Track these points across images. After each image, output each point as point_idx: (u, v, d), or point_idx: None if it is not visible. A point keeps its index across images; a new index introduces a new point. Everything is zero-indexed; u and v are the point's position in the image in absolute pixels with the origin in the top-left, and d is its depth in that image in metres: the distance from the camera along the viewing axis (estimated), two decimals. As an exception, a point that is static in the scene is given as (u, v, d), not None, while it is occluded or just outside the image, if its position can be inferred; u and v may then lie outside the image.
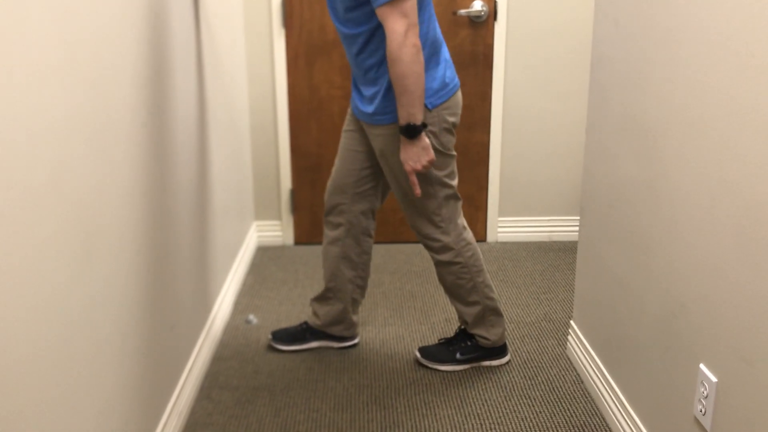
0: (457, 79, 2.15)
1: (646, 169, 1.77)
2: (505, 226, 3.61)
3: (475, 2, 3.30)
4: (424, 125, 1.99)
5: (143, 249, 1.71)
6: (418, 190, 2.07)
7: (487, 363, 2.38)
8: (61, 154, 1.25)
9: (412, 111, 1.96)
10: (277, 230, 3.55)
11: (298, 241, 3.58)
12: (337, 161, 2.33)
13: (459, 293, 2.29)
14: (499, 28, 3.34)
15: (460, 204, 2.23)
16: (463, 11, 3.28)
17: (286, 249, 3.52)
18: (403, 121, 1.98)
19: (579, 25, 3.37)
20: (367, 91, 2.10)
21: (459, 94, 2.15)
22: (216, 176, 2.59)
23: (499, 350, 2.38)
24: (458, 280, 2.27)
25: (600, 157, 2.12)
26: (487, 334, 2.33)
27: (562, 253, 3.45)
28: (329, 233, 2.37)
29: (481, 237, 3.61)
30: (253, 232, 3.46)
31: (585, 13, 3.36)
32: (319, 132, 3.43)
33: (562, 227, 3.62)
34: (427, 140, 2.01)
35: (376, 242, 3.60)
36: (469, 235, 2.26)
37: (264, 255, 3.43)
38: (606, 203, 2.08)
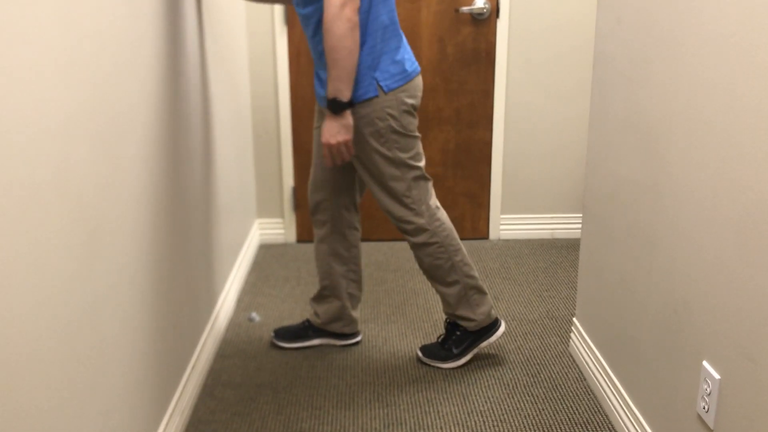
0: (416, 65, 2.16)
1: (649, 167, 1.77)
2: (508, 224, 3.60)
3: (477, 0, 3.29)
4: (350, 103, 2.00)
5: (147, 247, 1.71)
6: (329, 162, 2.08)
7: (484, 343, 2.36)
8: (65, 152, 1.25)
9: (339, 86, 1.97)
10: (280, 228, 3.56)
11: (300, 238, 3.58)
12: (313, 159, 2.35)
13: (438, 274, 2.29)
14: (502, 26, 3.34)
15: (430, 184, 2.23)
16: (465, 9, 3.28)
17: (289, 246, 3.52)
18: (330, 95, 1.99)
19: (581, 22, 3.36)
20: (324, 75, 2.11)
21: (418, 79, 2.16)
22: (219, 174, 2.59)
23: (490, 327, 2.37)
24: (436, 260, 2.26)
25: (602, 154, 2.12)
26: (473, 314, 2.32)
27: (565, 250, 3.45)
28: (317, 232, 2.40)
29: (483, 234, 3.61)
30: (255, 230, 3.46)
31: (587, 11, 3.35)
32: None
33: (564, 225, 3.62)
34: (350, 120, 2.03)
35: (379, 240, 3.60)
36: (442, 214, 2.26)
37: (266, 253, 3.44)
38: (608, 201, 2.08)
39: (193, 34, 2.21)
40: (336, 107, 1.99)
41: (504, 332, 2.42)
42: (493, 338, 2.37)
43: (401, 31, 2.14)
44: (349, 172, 2.33)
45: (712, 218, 1.46)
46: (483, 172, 3.53)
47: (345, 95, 1.98)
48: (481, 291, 2.33)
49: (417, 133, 2.18)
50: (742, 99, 1.34)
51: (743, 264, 1.35)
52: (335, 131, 2.02)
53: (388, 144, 2.12)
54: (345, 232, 2.38)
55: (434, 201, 2.25)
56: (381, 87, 2.06)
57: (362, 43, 2.04)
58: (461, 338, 2.36)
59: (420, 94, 2.17)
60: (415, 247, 2.27)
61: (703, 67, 1.49)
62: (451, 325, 2.38)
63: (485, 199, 3.57)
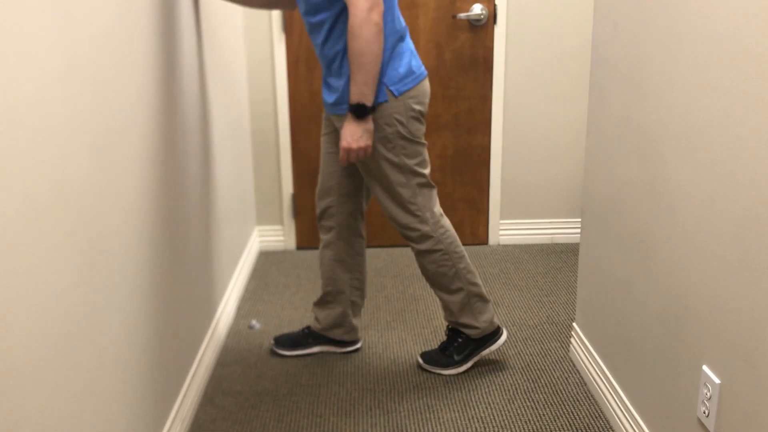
0: (423, 69, 2.17)
1: (647, 171, 1.77)
2: (507, 229, 3.61)
3: (474, 6, 3.30)
4: (372, 108, 2.01)
5: (146, 255, 1.71)
6: (344, 163, 2.09)
7: (486, 351, 2.37)
8: (63, 160, 1.25)
9: (365, 90, 1.97)
10: (279, 235, 3.56)
11: (300, 245, 3.58)
12: (320, 166, 2.36)
13: (442, 282, 2.29)
14: (499, 31, 3.34)
15: (434, 192, 2.24)
16: (462, 15, 3.28)
17: (288, 254, 3.52)
18: (354, 99, 1.99)
19: (578, 27, 3.37)
20: (335, 82, 2.12)
21: (426, 82, 2.17)
22: (218, 181, 2.59)
23: (492, 334, 2.37)
24: (440, 268, 2.27)
25: (600, 158, 2.12)
26: (476, 321, 2.32)
27: (564, 255, 3.45)
28: (323, 237, 2.40)
29: (482, 240, 3.61)
30: (255, 237, 3.46)
31: (584, 16, 3.36)
32: (320, 136, 3.44)
33: (563, 229, 3.62)
34: (371, 125, 2.04)
35: (378, 246, 3.60)
36: (446, 222, 2.26)
37: (266, 260, 3.44)
38: (607, 205, 2.08)
39: (191, 42, 2.22)
40: (361, 112, 2.00)
41: (506, 340, 2.42)
42: (495, 346, 2.37)
43: (407, 35, 2.15)
44: (356, 179, 2.33)
45: (711, 221, 1.46)
46: (482, 178, 3.53)
47: (369, 99, 1.99)
48: (483, 298, 2.33)
49: (424, 140, 2.19)
50: (739, 101, 1.34)
51: (743, 267, 1.35)
52: (358, 135, 2.03)
53: (396, 150, 2.13)
54: (351, 239, 2.38)
55: (438, 208, 2.25)
56: (391, 91, 2.07)
57: None
58: (463, 345, 2.36)
59: (427, 100, 2.18)
60: (419, 254, 2.27)
61: (700, 69, 1.49)
62: (453, 332, 2.38)
63: (484, 205, 3.57)
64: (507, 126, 3.48)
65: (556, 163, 3.54)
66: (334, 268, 2.40)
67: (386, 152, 2.13)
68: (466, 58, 3.37)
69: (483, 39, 3.36)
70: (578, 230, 3.62)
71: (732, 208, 1.38)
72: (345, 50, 2.05)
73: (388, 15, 2.05)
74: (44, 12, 1.19)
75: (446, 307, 2.34)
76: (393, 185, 2.18)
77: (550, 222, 3.61)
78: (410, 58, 2.12)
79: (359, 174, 2.33)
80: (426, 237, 2.23)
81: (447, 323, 2.41)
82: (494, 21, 3.33)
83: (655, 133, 1.72)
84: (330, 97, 2.15)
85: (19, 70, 1.10)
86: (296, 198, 3.52)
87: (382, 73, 2.06)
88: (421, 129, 2.16)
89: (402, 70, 2.09)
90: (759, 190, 1.28)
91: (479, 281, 2.32)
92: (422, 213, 2.21)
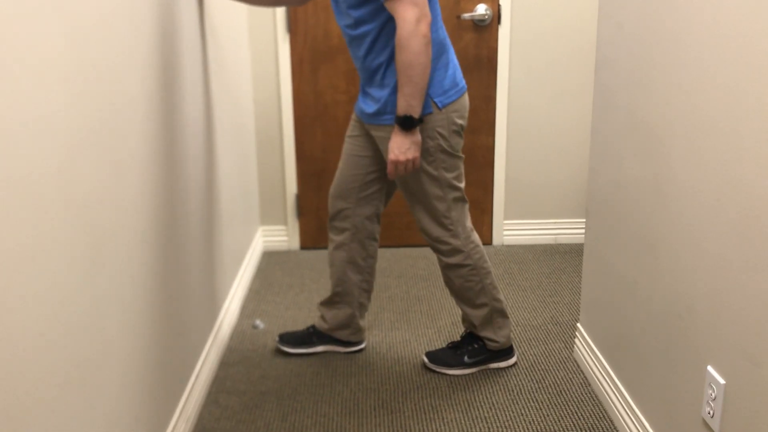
0: (464, 82, 2.16)
1: (652, 171, 1.77)
2: (511, 229, 3.60)
3: (478, 6, 3.30)
4: (420, 120, 2.00)
5: (150, 254, 1.71)
6: (393, 176, 2.07)
7: (494, 365, 2.38)
8: (66, 158, 1.26)
9: (413, 102, 1.96)
10: (283, 235, 3.56)
11: (304, 245, 3.58)
12: (340, 166, 2.34)
13: (467, 296, 2.30)
14: (503, 32, 3.34)
15: (467, 207, 2.24)
16: (467, 15, 3.28)
17: (292, 254, 3.52)
18: (401, 111, 1.97)
19: (583, 27, 3.37)
20: (377, 93, 2.10)
21: (466, 96, 2.16)
22: (222, 181, 2.60)
23: (506, 351, 2.39)
24: (467, 282, 2.27)
25: (605, 158, 2.12)
26: (495, 336, 2.34)
27: (569, 255, 3.45)
28: (335, 238, 2.38)
29: (486, 240, 3.61)
30: (258, 237, 3.46)
31: (588, 16, 3.36)
32: (324, 137, 3.44)
33: (568, 230, 3.62)
34: (419, 137, 2.02)
35: (382, 246, 3.60)
36: (476, 237, 2.27)
37: (270, 260, 3.44)
38: (611, 205, 2.08)
39: (194, 41, 2.22)
40: (408, 124, 1.98)
41: (515, 363, 2.42)
42: (504, 364, 2.39)
43: (451, 47, 2.14)
44: (376, 183, 2.32)
45: (716, 221, 1.46)
46: (486, 178, 3.53)
47: (417, 111, 1.97)
48: (504, 315, 2.34)
49: (462, 154, 2.18)
50: (743, 101, 1.34)
51: (747, 267, 1.34)
52: (405, 148, 2.01)
53: (435, 163, 2.12)
54: (365, 242, 2.37)
55: (469, 223, 2.25)
56: (435, 103, 2.06)
57: None
58: (478, 351, 2.37)
59: (467, 114, 2.16)
60: (447, 268, 2.27)
61: (704, 69, 1.49)
62: (470, 336, 2.39)
63: (488, 205, 3.57)
64: (511, 126, 3.48)
65: (561, 163, 3.53)
66: (345, 269, 2.39)
67: (426, 165, 2.12)
68: (470, 59, 3.37)
69: (487, 39, 3.36)
70: (582, 230, 3.62)
71: (737, 208, 1.37)
72: (388, 62, 2.04)
73: (432, 25, 2.03)
74: (47, 10, 1.19)
75: (468, 320, 2.35)
76: (429, 198, 2.17)
77: (554, 222, 3.61)
78: (454, 70, 2.12)
79: (382, 178, 2.32)
80: (456, 251, 2.23)
81: (465, 328, 2.41)
82: (498, 21, 3.33)
83: (660, 133, 1.72)
84: (369, 108, 2.13)
85: (21, 69, 1.11)
86: (300, 198, 3.52)
87: (427, 84, 2.05)
88: (460, 143, 2.15)
89: (447, 82, 2.08)
90: (764, 189, 1.28)
91: (503, 297, 2.33)
92: (455, 227, 2.21)
